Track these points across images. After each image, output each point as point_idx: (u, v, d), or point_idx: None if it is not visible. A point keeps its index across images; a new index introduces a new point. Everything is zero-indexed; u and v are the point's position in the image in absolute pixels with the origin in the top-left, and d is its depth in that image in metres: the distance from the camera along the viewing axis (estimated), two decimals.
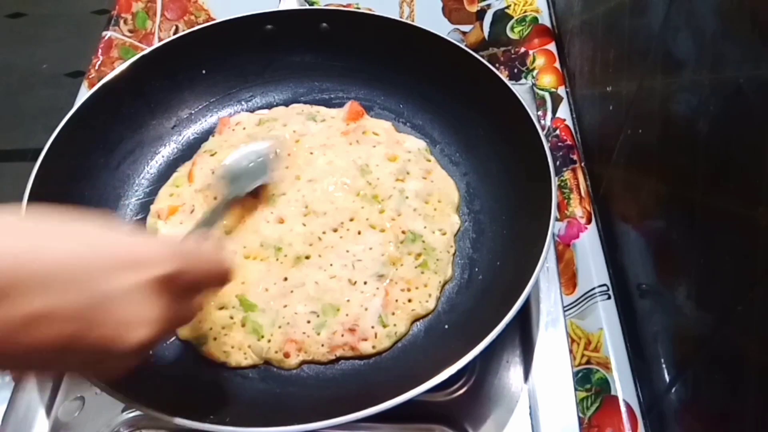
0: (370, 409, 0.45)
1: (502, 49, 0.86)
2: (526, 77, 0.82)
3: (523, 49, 0.85)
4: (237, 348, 0.56)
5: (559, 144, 0.74)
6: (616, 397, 0.56)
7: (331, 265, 0.60)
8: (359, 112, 0.72)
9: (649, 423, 0.55)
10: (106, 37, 0.88)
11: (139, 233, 0.42)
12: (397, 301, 0.58)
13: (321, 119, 0.72)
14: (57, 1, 2.20)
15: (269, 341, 0.56)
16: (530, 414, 0.56)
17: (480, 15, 0.90)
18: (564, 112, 0.77)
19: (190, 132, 0.73)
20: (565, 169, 0.72)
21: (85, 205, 0.63)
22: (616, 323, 0.60)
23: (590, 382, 0.57)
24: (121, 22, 0.90)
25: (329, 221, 0.62)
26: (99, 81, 0.67)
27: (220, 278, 0.46)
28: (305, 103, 0.75)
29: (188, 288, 0.42)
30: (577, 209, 0.68)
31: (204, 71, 0.74)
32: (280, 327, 0.57)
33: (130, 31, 0.89)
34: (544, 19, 0.88)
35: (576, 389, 0.57)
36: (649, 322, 0.56)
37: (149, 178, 0.69)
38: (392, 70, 0.73)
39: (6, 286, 0.33)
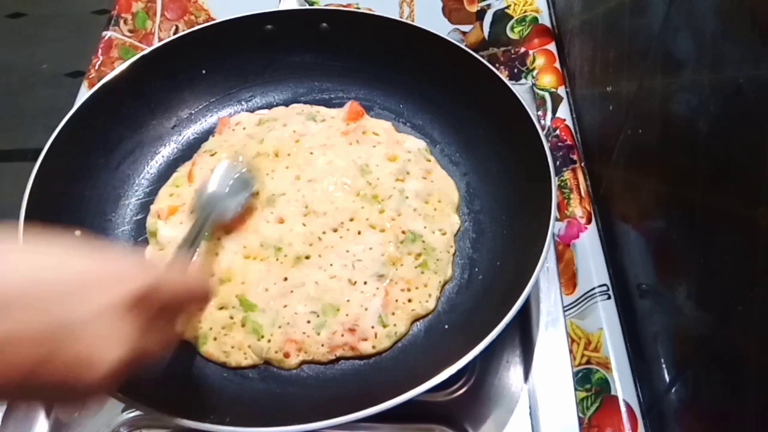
0: (370, 409, 0.45)
1: (502, 49, 0.86)
2: (526, 77, 0.82)
3: (523, 49, 0.85)
4: (237, 348, 0.56)
5: (559, 144, 0.74)
6: (616, 397, 0.56)
7: (331, 265, 0.60)
8: (359, 112, 0.72)
9: (649, 423, 0.55)
10: (106, 37, 0.88)
11: (109, 253, 0.39)
12: (397, 301, 0.58)
13: (321, 119, 0.72)
14: (57, 1, 2.20)
15: (269, 341, 0.56)
16: (530, 414, 0.56)
17: (480, 15, 0.90)
18: (564, 112, 0.77)
19: (190, 132, 0.73)
20: (565, 169, 0.72)
21: (85, 205, 0.64)
22: (616, 323, 0.60)
23: (590, 382, 0.57)
24: (121, 22, 0.90)
25: (329, 221, 0.62)
26: (99, 81, 0.67)
27: (196, 298, 0.44)
28: (305, 103, 0.75)
29: (162, 310, 0.39)
30: (577, 209, 0.68)
31: (204, 71, 0.74)
32: (280, 327, 0.57)
33: (130, 31, 0.89)
34: (544, 19, 0.88)
35: (576, 389, 0.57)
36: (649, 322, 0.56)
37: (149, 178, 0.69)
38: (392, 70, 0.73)
39: None
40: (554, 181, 0.57)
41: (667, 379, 0.51)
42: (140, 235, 0.65)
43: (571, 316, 0.62)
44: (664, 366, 0.52)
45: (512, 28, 0.88)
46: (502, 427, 0.55)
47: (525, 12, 0.89)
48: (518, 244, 0.59)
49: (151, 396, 0.47)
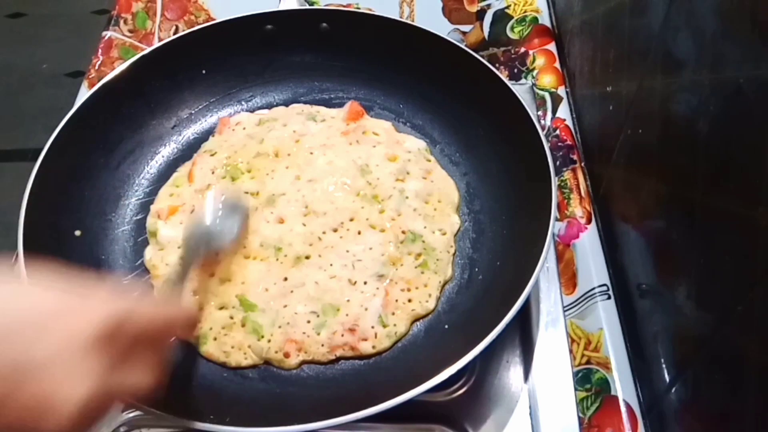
0: (370, 409, 0.45)
1: (502, 49, 0.86)
2: (526, 77, 0.82)
3: (523, 49, 0.85)
4: (237, 348, 0.56)
5: (559, 144, 0.74)
6: (616, 397, 0.56)
7: (331, 265, 0.60)
8: (359, 112, 0.72)
9: (649, 423, 0.54)
10: (106, 37, 0.88)
11: (75, 285, 0.37)
12: (397, 301, 0.58)
13: (321, 119, 0.72)
14: (57, 1, 2.20)
15: (269, 341, 0.56)
16: (530, 414, 0.56)
17: (480, 15, 0.90)
18: (564, 112, 0.77)
19: (190, 132, 0.73)
20: (565, 169, 0.72)
21: (85, 205, 0.64)
22: (616, 323, 0.60)
23: (590, 382, 0.57)
24: (121, 22, 0.90)
25: (329, 221, 0.62)
26: (99, 81, 0.67)
27: (177, 326, 0.41)
28: (305, 103, 0.75)
29: (137, 342, 0.37)
30: (577, 209, 0.68)
31: (204, 71, 0.74)
32: (280, 327, 0.57)
33: (130, 31, 0.89)
34: (544, 19, 0.88)
35: (576, 389, 0.57)
36: (649, 322, 0.56)
37: (149, 178, 0.69)
38: (392, 70, 0.73)
39: None
40: (554, 181, 0.57)
41: (667, 379, 0.51)
42: (140, 235, 0.65)
43: (571, 316, 0.62)
44: (664, 366, 0.52)
45: (512, 28, 0.88)
46: (502, 427, 0.55)
47: (525, 12, 0.89)
48: (518, 244, 0.59)
49: (150, 396, 0.47)
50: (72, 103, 0.68)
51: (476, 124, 0.69)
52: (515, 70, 0.83)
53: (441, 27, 0.88)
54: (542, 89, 0.80)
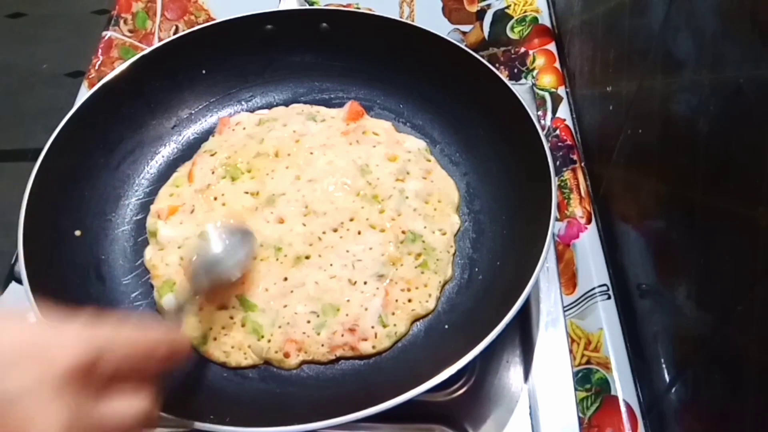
0: (370, 409, 0.45)
1: (502, 49, 0.86)
2: (526, 77, 0.82)
3: (523, 49, 0.85)
4: (237, 348, 0.56)
5: (559, 144, 0.74)
6: (616, 397, 0.56)
7: (331, 265, 0.60)
8: (359, 112, 0.72)
9: (649, 423, 0.55)
10: (106, 37, 0.88)
11: (48, 320, 0.36)
12: (397, 301, 0.58)
13: (321, 119, 0.71)
14: (57, 1, 2.20)
15: (269, 341, 0.56)
16: (530, 414, 0.56)
17: (480, 15, 0.90)
18: (564, 112, 0.77)
19: (190, 132, 0.73)
20: (565, 169, 0.72)
21: (85, 205, 0.64)
22: (616, 323, 0.60)
23: (590, 382, 0.57)
24: (121, 22, 0.90)
25: (329, 221, 0.62)
26: (99, 81, 0.67)
27: (164, 355, 0.39)
28: (305, 103, 0.75)
29: (117, 376, 0.35)
30: (577, 209, 0.68)
31: (204, 71, 0.74)
32: (280, 327, 0.57)
33: (130, 31, 0.89)
34: (544, 19, 0.88)
35: (576, 389, 0.57)
36: (649, 322, 0.56)
37: (149, 178, 0.69)
38: (392, 70, 0.73)
39: None
40: (554, 181, 0.57)
41: (667, 379, 0.51)
42: (140, 235, 0.65)
43: (571, 316, 0.62)
44: (664, 366, 0.52)
45: (512, 28, 0.88)
46: (502, 427, 0.55)
47: (525, 12, 0.89)
48: (518, 244, 0.59)
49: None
50: (72, 103, 0.68)
51: (476, 124, 0.69)
52: (515, 70, 0.83)
53: (441, 27, 0.88)
54: (542, 89, 0.80)
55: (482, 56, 0.68)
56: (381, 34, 0.72)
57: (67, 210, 0.62)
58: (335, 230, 0.62)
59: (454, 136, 0.71)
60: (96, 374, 0.33)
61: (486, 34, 0.88)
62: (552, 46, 0.84)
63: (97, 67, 0.85)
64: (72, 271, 0.59)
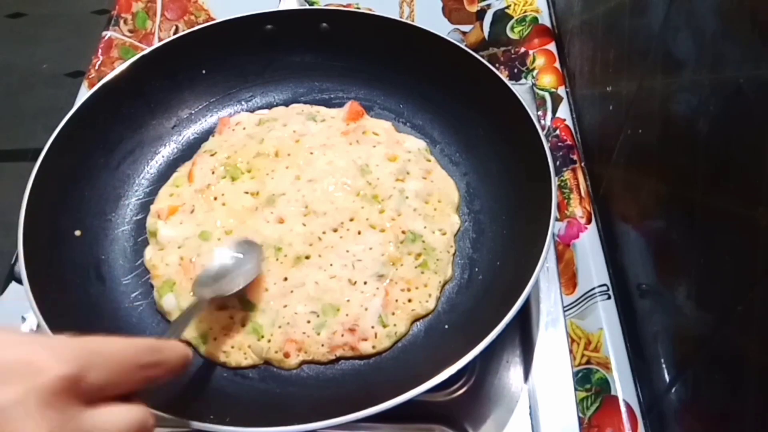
0: (370, 409, 0.45)
1: (502, 49, 0.86)
2: (526, 77, 0.82)
3: (523, 49, 0.85)
4: (237, 348, 0.56)
5: (559, 144, 0.74)
6: (616, 397, 0.56)
7: (331, 265, 0.60)
8: (359, 112, 0.72)
9: (649, 423, 0.55)
10: (106, 37, 0.88)
11: (33, 335, 0.35)
12: (397, 301, 0.58)
13: (321, 119, 0.71)
14: (57, 1, 2.20)
15: (269, 341, 0.56)
16: (530, 414, 0.56)
17: (480, 15, 0.90)
18: (564, 112, 0.77)
19: (190, 132, 0.73)
20: (565, 169, 0.72)
21: (85, 205, 0.64)
22: (616, 323, 0.60)
23: (590, 382, 0.57)
24: (121, 22, 0.90)
25: (329, 221, 0.62)
26: (99, 81, 0.67)
27: (159, 368, 0.38)
28: (305, 103, 0.75)
29: (103, 390, 0.35)
30: (577, 209, 0.68)
31: (204, 71, 0.74)
32: (280, 327, 0.57)
33: (130, 31, 0.89)
34: (544, 19, 0.88)
35: (576, 389, 0.57)
36: (649, 322, 0.56)
37: (149, 178, 0.69)
38: (392, 70, 0.73)
39: None
40: (554, 181, 0.57)
41: (667, 379, 0.51)
42: (140, 235, 0.65)
43: (571, 316, 0.62)
44: (664, 366, 0.52)
45: (512, 28, 0.88)
46: (502, 427, 0.55)
47: (525, 12, 0.89)
48: (518, 244, 0.59)
49: (150, 396, 0.47)
50: (72, 103, 0.68)
51: (476, 124, 0.69)
52: (515, 70, 0.83)
53: (441, 27, 0.88)
54: (542, 89, 0.80)
55: (482, 56, 0.68)
56: (381, 34, 0.72)
57: (67, 210, 0.62)
58: (335, 230, 0.62)
59: (454, 136, 0.71)
60: (85, 386, 0.33)
61: (486, 34, 0.88)
62: (552, 46, 0.84)
63: (97, 67, 0.85)
64: (72, 271, 0.59)
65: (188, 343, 0.56)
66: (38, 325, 0.51)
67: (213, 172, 0.67)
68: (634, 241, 0.60)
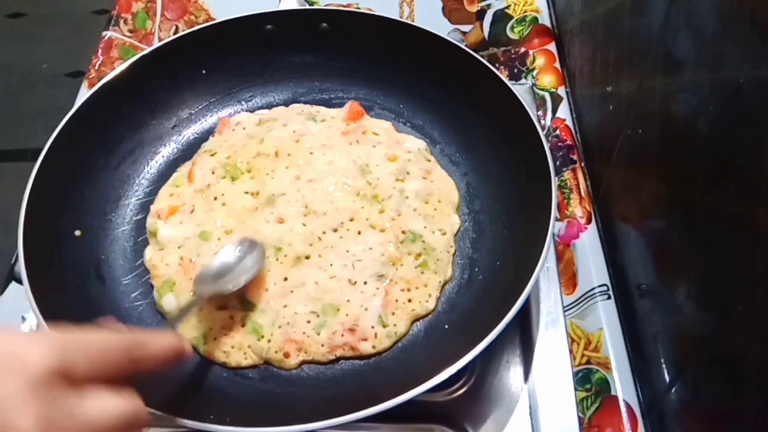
0: (370, 409, 0.45)
1: (502, 49, 0.86)
2: (526, 77, 0.82)
3: (523, 49, 0.85)
4: (237, 348, 0.56)
5: (559, 144, 0.74)
6: (616, 397, 0.56)
7: (331, 265, 0.60)
8: (359, 112, 0.72)
9: (649, 423, 0.55)
10: (106, 37, 0.88)
11: (17, 331, 0.36)
12: (397, 301, 0.58)
13: (321, 119, 0.71)
14: (57, 1, 2.20)
15: (269, 341, 0.56)
16: (530, 414, 0.56)
17: (480, 15, 0.90)
18: (564, 112, 0.77)
19: (190, 132, 0.73)
20: (565, 169, 0.72)
21: (85, 205, 0.64)
22: (616, 323, 0.60)
23: (590, 382, 0.57)
24: (121, 22, 0.90)
25: (329, 221, 0.62)
26: (99, 81, 0.67)
27: (141, 361, 0.38)
28: (305, 103, 0.75)
29: (93, 380, 0.35)
30: (577, 209, 0.68)
31: (204, 71, 0.74)
32: (280, 327, 0.57)
33: (130, 31, 0.89)
34: (544, 19, 0.88)
35: (576, 389, 0.57)
36: (649, 322, 0.56)
37: (149, 178, 0.69)
38: (392, 70, 0.73)
39: None
40: (554, 181, 0.57)
41: (667, 379, 0.51)
42: (140, 235, 0.65)
43: (571, 316, 0.62)
44: (664, 366, 0.52)
45: (512, 28, 0.88)
46: (502, 427, 0.55)
47: (525, 12, 0.89)
48: (518, 244, 0.59)
49: (150, 396, 0.47)
50: (72, 103, 0.68)
51: (476, 124, 0.69)
52: (515, 70, 0.83)
53: (441, 27, 0.88)
54: (542, 89, 0.80)
55: (482, 56, 0.68)
56: (381, 34, 0.72)
57: (67, 210, 0.62)
58: (335, 230, 0.62)
59: (454, 136, 0.71)
60: (73, 375, 0.34)
61: (486, 34, 0.88)
62: (552, 46, 0.84)
63: (97, 67, 0.85)
64: (72, 271, 0.59)
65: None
66: (38, 325, 0.51)
67: (213, 172, 0.67)
68: (634, 241, 0.60)
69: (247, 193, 0.65)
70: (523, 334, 0.60)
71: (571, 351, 0.59)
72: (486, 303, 0.57)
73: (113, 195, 0.66)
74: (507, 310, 0.49)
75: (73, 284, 0.58)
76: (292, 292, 0.58)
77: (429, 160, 0.69)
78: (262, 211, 0.63)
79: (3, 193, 1.04)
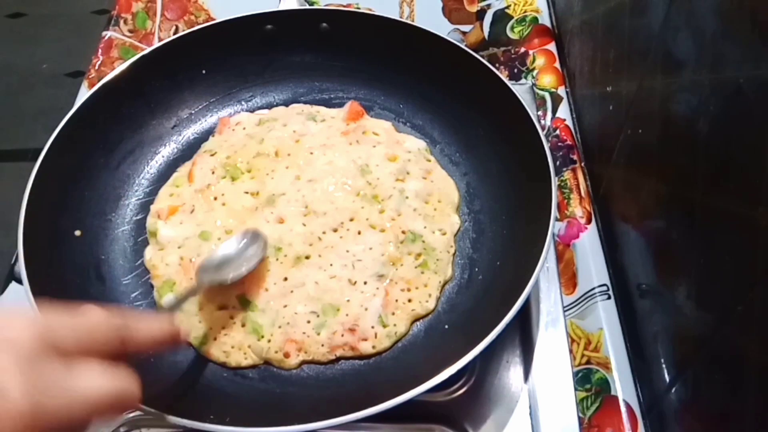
0: (370, 409, 0.45)
1: (502, 49, 0.86)
2: (526, 77, 0.82)
3: (523, 49, 0.85)
4: (237, 348, 0.56)
5: (559, 144, 0.74)
6: (616, 397, 0.56)
7: (331, 265, 0.60)
8: (359, 112, 0.72)
9: (649, 423, 0.55)
10: (106, 37, 0.88)
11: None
12: (397, 301, 0.58)
13: (321, 119, 0.72)
14: (57, 1, 2.20)
15: (269, 341, 0.56)
16: (530, 414, 0.56)
17: (480, 15, 0.90)
18: (564, 112, 0.77)
19: (190, 132, 0.73)
20: (565, 169, 0.72)
21: (85, 205, 0.64)
22: (616, 323, 0.60)
23: (590, 382, 0.57)
24: (121, 22, 0.90)
25: (329, 221, 0.62)
26: (99, 81, 0.67)
27: (132, 338, 0.39)
28: (305, 103, 0.75)
29: (81, 354, 0.35)
30: (577, 209, 0.68)
31: (204, 71, 0.74)
32: (280, 327, 0.57)
33: (130, 31, 0.89)
34: (544, 19, 0.88)
35: (576, 389, 0.57)
36: (649, 322, 0.56)
37: (149, 178, 0.69)
38: (392, 70, 0.73)
39: None
40: (554, 181, 0.57)
41: (667, 379, 0.51)
42: (140, 235, 0.65)
43: (571, 316, 0.62)
44: (664, 366, 0.52)
45: (512, 28, 0.88)
46: (502, 427, 0.55)
47: (525, 12, 0.89)
48: (518, 244, 0.59)
49: (150, 396, 0.47)
50: (72, 103, 0.68)
51: (476, 124, 0.69)
52: (515, 70, 0.83)
53: (441, 27, 0.88)
54: (542, 89, 0.80)
55: (482, 56, 0.68)
56: (381, 34, 0.72)
57: (67, 210, 0.62)
58: (335, 230, 0.62)
59: (454, 136, 0.71)
60: (61, 349, 0.34)
61: (486, 34, 0.88)
62: (552, 46, 0.84)
63: (97, 67, 0.85)
64: (72, 271, 0.59)
65: (188, 343, 0.56)
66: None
67: (213, 172, 0.67)
68: (634, 241, 0.60)
69: (247, 193, 0.65)
70: (523, 334, 0.60)
71: (571, 351, 0.59)
72: (486, 303, 0.57)
73: (113, 195, 0.66)
74: (507, 310, 0.49)
75: (73, 284, 0.58)
76: (292, 292, 0.58)
77: (429, 160, 0.69)
78: (262, 211, 0.63)
79: (3, 193, 1.04)
